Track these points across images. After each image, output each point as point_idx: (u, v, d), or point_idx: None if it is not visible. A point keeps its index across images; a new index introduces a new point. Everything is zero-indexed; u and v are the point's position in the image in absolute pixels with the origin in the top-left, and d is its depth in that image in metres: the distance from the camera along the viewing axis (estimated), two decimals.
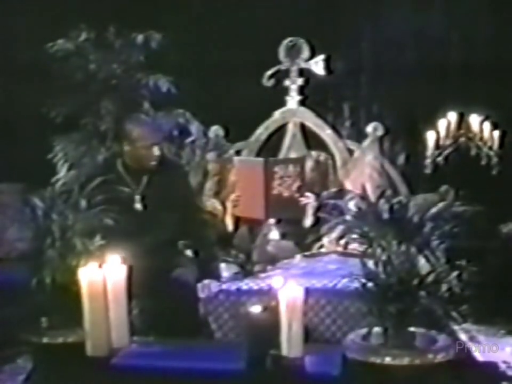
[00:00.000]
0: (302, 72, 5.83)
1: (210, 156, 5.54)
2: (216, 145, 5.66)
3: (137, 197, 3.76)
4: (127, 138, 3.76)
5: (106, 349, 2.67)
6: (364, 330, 2.80)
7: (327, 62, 5.78)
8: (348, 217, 2.82)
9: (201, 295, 3.90)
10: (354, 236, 2.86)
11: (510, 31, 5.33)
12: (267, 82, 5.80)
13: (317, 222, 4.79)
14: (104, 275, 2.69)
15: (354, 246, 4.23)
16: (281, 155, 5.84)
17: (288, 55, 5.83)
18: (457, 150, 5.41)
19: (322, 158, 5.54)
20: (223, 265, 4.23)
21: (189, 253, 3.95)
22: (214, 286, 3.97)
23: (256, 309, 2.70)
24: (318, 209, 4.87)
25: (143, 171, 3.79)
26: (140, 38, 4.37)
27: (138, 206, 3.77)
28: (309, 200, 4.75)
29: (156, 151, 3.77)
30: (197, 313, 3.92)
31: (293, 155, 5.75)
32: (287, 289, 2.61)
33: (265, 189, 4.56)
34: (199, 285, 3.89)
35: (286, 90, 5.86)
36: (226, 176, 5.53)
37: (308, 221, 4.77)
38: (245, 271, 4.23)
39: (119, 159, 3.82)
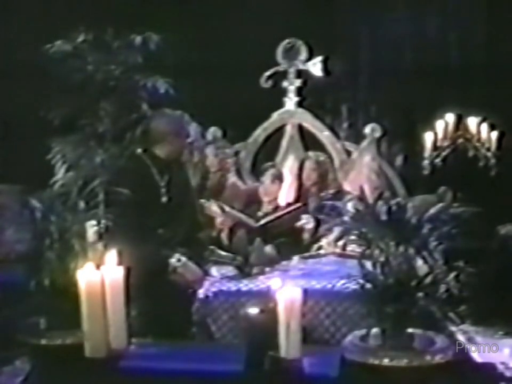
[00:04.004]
0: (300, 74, 5.85)
1: (210, 150, 5.57)
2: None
3: (163, 190, 3.88)
4: (165, 131, 3.95)
5: (104, 351, 2.67)
6: (362, 332, 2.80)
7: (325, 63, 5.79)
8: (346, 219, 2.83)
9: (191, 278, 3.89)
10: (353, 237, 2.86)
11: (507, 32, 5.34)
12: (265, 83, 5.81)
13: (316, 223, 4.81)
14: (102, 276, 2.69)
15: (352, 247, 4.25)
16: (280, 156, 5.85)
17: (286, 57, 5.84)
18: (455, 151, 5.42)
19: (322, 158, 5.55)
20: (214, 267, 4.24)
21: (186, 254, 3.94)
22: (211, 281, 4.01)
23: (254, 310, 2.70)
24: (317, 210, 4.89)
25: (167, 164, 3.93)
26: (138, 39, 4.35)
27: (164, 198, 3.87)
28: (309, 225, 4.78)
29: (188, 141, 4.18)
30: (195, 315, 3.93)
31: (291, 156, 5.78)
32: (285, 290, 2.61)
33: None
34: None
35: (284, 92, 5.87)
36: (226, 176, 5.56)
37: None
38: (243, 273, 4.23)
39: (145, 153, 3.96)
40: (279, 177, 5.20)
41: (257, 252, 4.41)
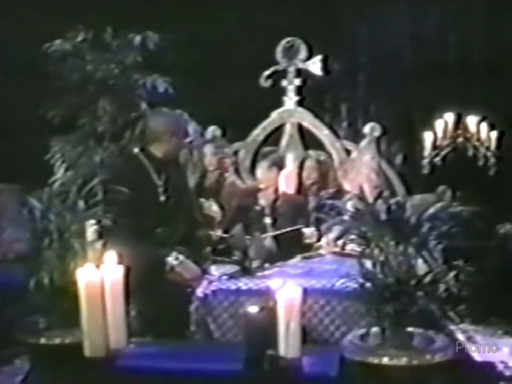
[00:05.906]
0: (299, 73, 5.85)
1: (208, 149, 5.57)
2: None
3: (161, 190, 3.84)
4: (162, 130, 3.88)
5: (104, 350, 2.67)
6: (361, 331, 2.80)
7: (325, 62, 5.79)
8: (346, 218, 2.82)
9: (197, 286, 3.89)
10: (352, 236, 2.86)
11: (507, 32, 5.34)
12: (264, 82, 5.81)
13: (316, 223, 4.81)
14: (101, 276, 2.68)
15: (352, 247, 4.25)
16: (279, 155, 5.85)
17: (286, 56, 5.84)
18: (455, 150, 5.43)
19: (321, 157, 5.56)
20: (213, 266, 4.23)
21: (184, 253, 3.94)
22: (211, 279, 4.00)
23: (253, 309, 2.70)
24: (317, 209, 4.89)
25: (164, 164, 3.89)
26: (137, 38, 4.36)
27: (162, 198, 3.84)
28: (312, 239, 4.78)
29: (186, 140, 4.15)
30: (194, 314, 3.92)
31: (290, 155, 5.77)
32: (285, 289, 2.61)
33: None
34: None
35: (283, 91, 5.86)
36: (224, 175, 5.55)
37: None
38: (243, 269, 4.23)
39: (142, 153, 3.91)
40: (277, 164, 5.17)
41: (256, 245, 4.40)
